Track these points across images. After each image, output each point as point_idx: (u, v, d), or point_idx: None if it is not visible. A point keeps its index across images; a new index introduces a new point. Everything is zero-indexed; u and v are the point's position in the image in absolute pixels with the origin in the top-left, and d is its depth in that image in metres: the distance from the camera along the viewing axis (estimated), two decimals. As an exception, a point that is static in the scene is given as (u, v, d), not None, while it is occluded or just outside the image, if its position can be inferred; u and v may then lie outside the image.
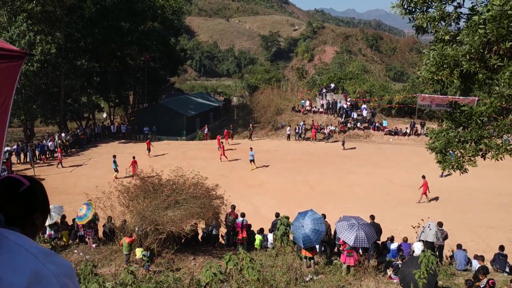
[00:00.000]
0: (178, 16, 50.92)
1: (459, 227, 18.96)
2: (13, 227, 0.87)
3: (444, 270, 13.54)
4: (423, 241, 14.82)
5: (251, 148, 29.92)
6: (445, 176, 25.90)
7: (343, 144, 35.35)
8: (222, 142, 33.20)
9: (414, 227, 15.63)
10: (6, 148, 31.60)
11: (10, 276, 0.71)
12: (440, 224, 15.48)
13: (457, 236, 16.74)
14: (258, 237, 16.51)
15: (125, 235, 14.20)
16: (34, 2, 32.03)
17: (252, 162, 29.33)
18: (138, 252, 14.14)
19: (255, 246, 16.24)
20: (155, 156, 31.69)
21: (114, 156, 27.34)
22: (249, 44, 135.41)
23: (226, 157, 31.40)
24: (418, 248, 14.53)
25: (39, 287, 0.73)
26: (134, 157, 27.09)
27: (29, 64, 31.47)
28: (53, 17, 34.90)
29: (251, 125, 40.87)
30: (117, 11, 38.55)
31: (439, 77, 8.34)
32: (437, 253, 15.12)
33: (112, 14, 38.65)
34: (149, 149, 31.86)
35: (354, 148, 35.35)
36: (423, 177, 23.07)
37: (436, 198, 23.57)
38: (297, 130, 38.87)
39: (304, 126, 39.13)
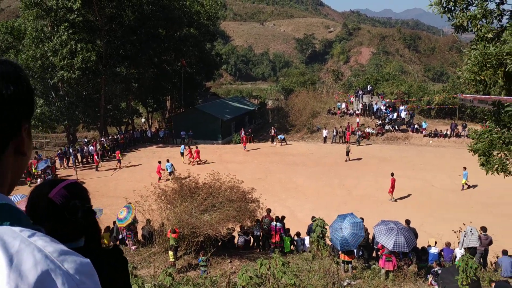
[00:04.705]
0: (213, 22, 51.40)
1: (507, 233, 18.16)
2: (37, 226, 0.89)
3: (489, 277, 13.00)
4: (465, 248, 14.31)
5: (168, 160, 27.81)
6: None
7: (347, 155, 31.31)
8: (191, 148, 32.81)
9: (455, 232, 15.16)
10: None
11: (16, 276, 0.72)
12: (484, 229, 14.91)
13: (502, 242, 16.04)
14: (286, 239, 16.39)
15: (169, 230, 14.50)
16: (76, 12, 33.13)
17: (172, 173, 26.14)
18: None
19: (286, 250, 16.11)
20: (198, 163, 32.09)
21: (168, 160, 27.82)
22: (284, 47, 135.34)
23: (199, 159, 31.95)
24: (460, 254, 14.04)
25: (53, 287, 0.74)
26: (159, 162, 27.67)
27: (71, 71, 32.68)
28: (94, 26, 36.00)
29: (273, 127, 40.17)
30: (155, 18, 39.36)
31: (482, 77, 8.04)
32: (480, 259, 14.60)
33: (150, 22, 39.49)
34: (197, 159, 32.03)
35: (360, 158, 32.02)
36: (392, 174, 23.19)
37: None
38: (333, 133, 38.46)
39: (337, 129, 38.69)
